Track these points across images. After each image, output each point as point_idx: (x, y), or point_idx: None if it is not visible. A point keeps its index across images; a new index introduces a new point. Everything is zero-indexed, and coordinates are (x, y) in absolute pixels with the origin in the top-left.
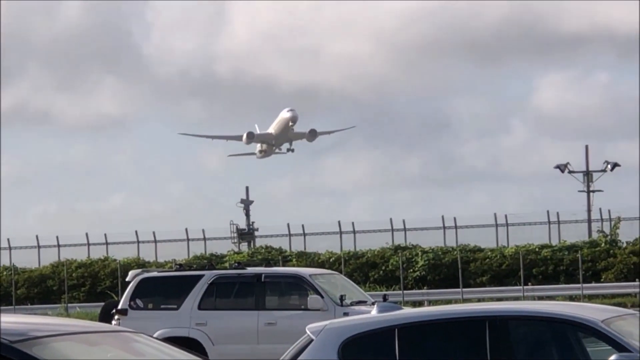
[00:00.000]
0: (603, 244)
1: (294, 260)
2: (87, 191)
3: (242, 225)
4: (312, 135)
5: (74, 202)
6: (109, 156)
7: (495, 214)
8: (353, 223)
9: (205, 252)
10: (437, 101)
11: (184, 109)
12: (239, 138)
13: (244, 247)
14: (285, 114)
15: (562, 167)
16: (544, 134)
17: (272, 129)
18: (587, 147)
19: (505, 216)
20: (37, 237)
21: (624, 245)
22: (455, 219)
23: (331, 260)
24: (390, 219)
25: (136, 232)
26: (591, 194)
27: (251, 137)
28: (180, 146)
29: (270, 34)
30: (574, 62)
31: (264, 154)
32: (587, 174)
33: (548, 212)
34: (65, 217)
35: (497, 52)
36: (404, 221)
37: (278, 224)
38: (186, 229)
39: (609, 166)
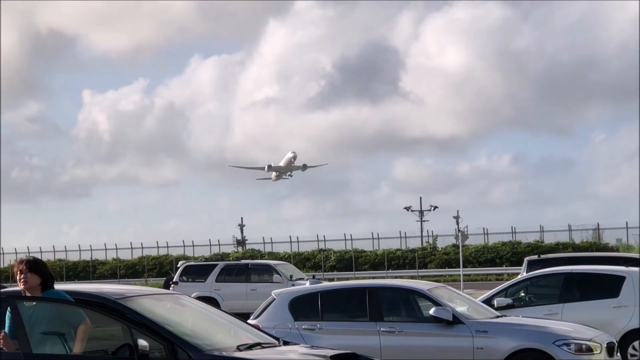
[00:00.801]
0: (429, 249)
1: (266, 257)
2: (159, 217)
3: (239, 237)
4: (304, 167)
5: (154, 225)
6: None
7: (372, 233)
8: (297, 237)
9: (219, 251)
10: (340, 172)
11: None
12: (263, 169)
13: (240, 249)
14: (289, 155)
15: (408, 208)
16: (400, 191)
17: (281, 164)
18: (420, 198)
19: (378, 234)
20: (130, 243)
21: (440, 249)
22: (352, 235)
23: (286, 257)
24: (317, 235)
25: (183, 241)
26: (423, 222)
27: (270, 167)
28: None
29: None
30: (414, 153)
31: (277, 179)
32: (421, 212)
33: (400, 232)
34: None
35: (373, 148)
36: (324, 236)
37: (259, 236)
38: (209, 239)
39: (433, 207)
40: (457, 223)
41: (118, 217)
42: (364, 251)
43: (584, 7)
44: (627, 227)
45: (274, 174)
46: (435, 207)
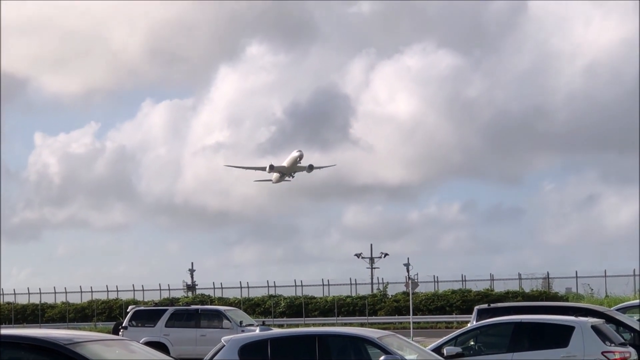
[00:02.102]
0: (379, 296)
1: (216, 302)
2: (109, 261)
3: (189, 281)
4: (310, 168)
5: (104, 269)
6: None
7: (322, 279)
8: (247, 282)
9: (169, 296)
10: (290, 218)
11: None
12: (264, 169)
13: (190, 294)
14: (295, 153)
15: (358, 255)
16: (350, 237)
17: (285, 163)
18: (371, 244)
19: (328, 281)
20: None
21: (390, 297)
22: (302, 281)
23: (236, 302)
24: (267, 281)
25: (133, 285)
26: (373, 269)
27: (272, 168)
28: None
29: None
30: (364, 200)
31: (278, 180)
32: (371, 259)
33: (350, 278)
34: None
35: (323, 194)
36: (274, 282)
37: (209, 281)
38: (159, 284)
39: (383, 255)
40: (408, 270)
41: (68, 260)
42: (314, 297)
43: (534, 57)
44: (576, 277)
45: (275, 175)
46: (386, 254)
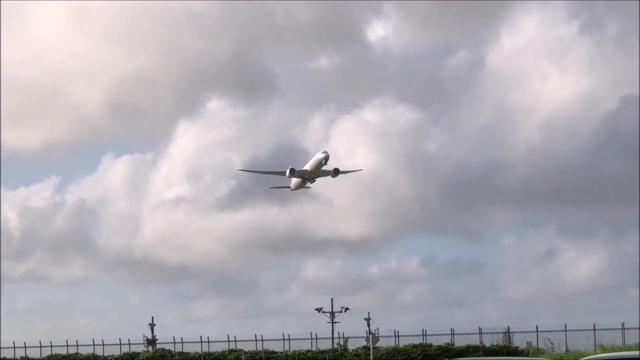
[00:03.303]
0: (340, 351)
1: (176, 356)
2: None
3: (149, 336)
4: (336, 172)
5: (63, 323)
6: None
7: (283, 334)
8: (208, 337)
9: (129, 350)
10: (250, 273)
11: None
12: (283, 174)
13: (150, 349)
14: (320, 155)
15: (319, 309)
16: (311, 292)
17: (307, 167)
18: (332, 299)
19: (289, 335)
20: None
21: (350, 351)
22: (262, 335)
23: (197, 357)
24: (228, 335)
25: (93, 339)
26: (334, 324)
27: (292, 172)
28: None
29: None
30: (324, 254)
31: (297, 187)
32: (332, 313)
33: (311, 333)
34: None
35: (283, 248)
36: (235, 336)
37: (169, 335)
38: (119, 338)
39: (344, 309)
40: (368, 325)
41: (27, 315)
42: (275, 352)
43: (492, 112)
44: (537, 331)
45: (295, 180)
46: (346, 309)
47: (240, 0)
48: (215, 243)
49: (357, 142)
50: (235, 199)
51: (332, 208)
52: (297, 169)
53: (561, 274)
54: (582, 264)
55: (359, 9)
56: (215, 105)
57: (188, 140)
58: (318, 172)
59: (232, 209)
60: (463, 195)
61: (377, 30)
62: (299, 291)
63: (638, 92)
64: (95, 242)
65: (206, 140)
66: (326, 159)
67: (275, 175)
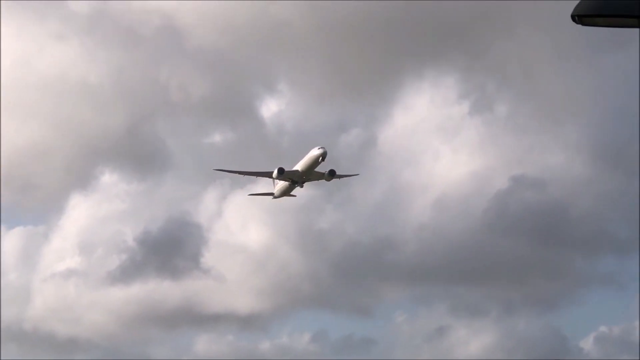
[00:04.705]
0: None
1: None
2: None
3: None
4: (331, 175)
5: None
6: None
7: None
8: None
9: None
10: (141, 347)
11: None
12: (270, 174)
13: None
14: (315, 151)
15: None
16: None
17: (299, 167)
18: None
19: None
20: None
21: None
22: None
23: None
24: None
25: None
26: None
27: (281, 172)
28: None
29: None
30: (215, 329)
31: (282, 193)
32: None
33: None
34: None
35: (174, 322)
36: None
37: None
38: None
39: None
40: None
41: None
42: None
43: (385, 189)
44: None
45: (281, 185)
46: None
47: (134, 74)
48: (106, 316)
49: (250, 217)
50: (127, 272)
51: (224, 282)
52: (286, 168)
53: (452, 352)
54: (472, 342)
55: (253, 85)
56: (108, 178)
57: (81, 213)
58: (311, 173)
59: (124, 282)
60: (355, 271)
61: (271, 106)
62: None
63: (527, 172)
64: None
65: (99, 214)
66: (323, 156)
67: (259, 177)
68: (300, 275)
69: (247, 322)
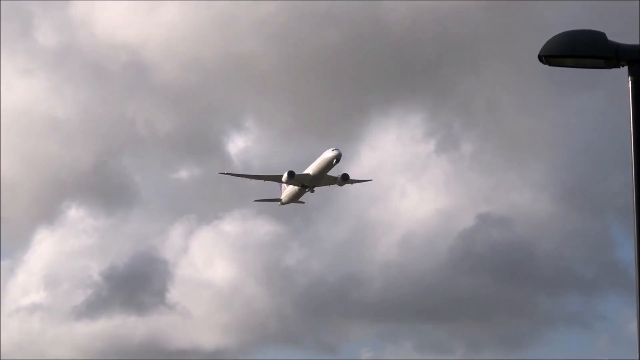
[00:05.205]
0: None
1: None
2: None
3: None
4: (344, 179)
5: None
6: None
7: None
8: None
9: None
10: None
11: None
12: (279, 178)
13: None
14: (329, 153)
15: None
16: None
17: (310, 170)
18: None
19: None
20: None
21: None
22: None
23: None
24: None
25: None
26: None
27: (292, 176)
28: None
29: None
30: None
31: (291, 199)
32: None
33: None
34: None
35: (141, 357)
36: None
37: None
38: None
39: None
40: None
41: None
42: None
43: (351, 227)
44: None
45: (289, 190)
46: None
47: (101, 109)
48: (71, 351)
49: (216, 253)
50: (92, 307)
51: (190, 318)
52: (296, 172)
53: None
54: None
55: (220, 121)
56: (75, 213)
57: (47, 248)
58: (323, 177)
59: (89, 317)
60: (321, 308)
61: (238, 143)
62: None
63: (493, 210)
64: None
65: (65, 248)
66: (337, 158)
67: (268, 181)
68: (266, 312)
69: (213, 358)
